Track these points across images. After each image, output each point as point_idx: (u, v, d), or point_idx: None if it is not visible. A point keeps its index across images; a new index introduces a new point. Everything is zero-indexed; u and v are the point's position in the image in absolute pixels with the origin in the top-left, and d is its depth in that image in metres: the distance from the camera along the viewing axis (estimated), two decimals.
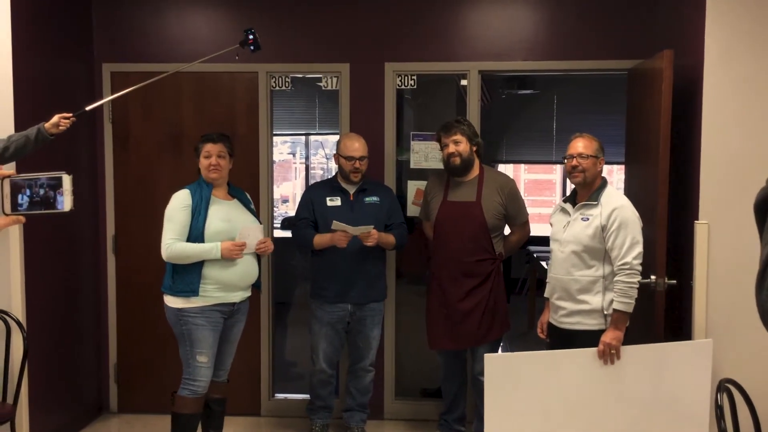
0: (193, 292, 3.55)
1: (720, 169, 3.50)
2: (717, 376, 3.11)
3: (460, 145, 3.93)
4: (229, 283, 3.63)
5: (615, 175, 9.70)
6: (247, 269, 3.69)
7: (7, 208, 2.45)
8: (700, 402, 3.28)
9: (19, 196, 2.99)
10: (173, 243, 3.54)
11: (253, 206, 3.91)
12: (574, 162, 3.47)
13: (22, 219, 3.07)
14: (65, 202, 2.94)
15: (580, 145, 3.47)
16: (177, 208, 3.59)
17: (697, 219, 3.52)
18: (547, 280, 3.68)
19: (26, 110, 3.79)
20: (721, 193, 3.50)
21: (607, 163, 3.61)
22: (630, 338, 3.40)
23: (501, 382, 3.26)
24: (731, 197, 3.49)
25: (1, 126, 3.66)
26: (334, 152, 4.16)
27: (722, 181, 3.50)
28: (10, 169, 3.69)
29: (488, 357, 3.31)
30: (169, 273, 3.61)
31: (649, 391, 3.28)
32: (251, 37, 3.81)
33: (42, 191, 2.95)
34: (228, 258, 3.57)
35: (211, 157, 3.68)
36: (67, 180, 2.94)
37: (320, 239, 4.02)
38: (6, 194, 2.45)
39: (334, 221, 3.87)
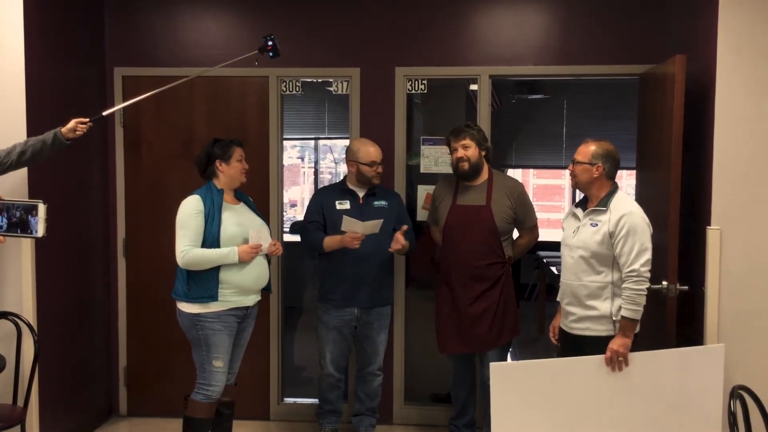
0: (212, 297, 3.55)
1: (732, 174, 3.49)
2: (729, 382, 3.09)
3: (468, 149, 3.93)
4: (245, 287, 3.63)
5: (624, 180, 9.68)
6: (260, 272, 3.69)
7: None
8: (712, 408, 3.26)
9: (0, 218, 3.16)
10: (189, 249, 3.52)
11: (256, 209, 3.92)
12: (570, 167, 3.51)
13: (3, 239, 3.20)
14: (39, 228, 3.17)
15: (578, 150, 3.48)
16: (190, 214, 3.57)
17: (709, 224, 3.51)
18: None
19: (38, 114, 3.80)
20: (733, 199, 3.48)
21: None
22: (641, 344, 3.38)
23: (507, 391, 3.25)
24: (744, 203, 3.48)
25: (13, 130, 3.68)
26: (349, 159, 4.12)
27: (734, 187, 3.49)
28: (22, 174, 3.75)
29: (494, 366, 3.30)
30: (183, 280, 3.59)
31: (660, 398, 3.26)
32: (270, 43, 3.82)
33: (18, 214, 3.16)
34: (245, 261, 3.58)
35: (243, 161, 3.70)
36: (42, 209, 3.17)
37: (330, 241, 4.02)
38: None
39: (344, 217, 3.86)
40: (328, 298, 4.13)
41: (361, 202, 4.12)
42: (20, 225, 3.12)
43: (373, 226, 3.89)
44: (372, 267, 4.07)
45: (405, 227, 4.01)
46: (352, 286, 4.06)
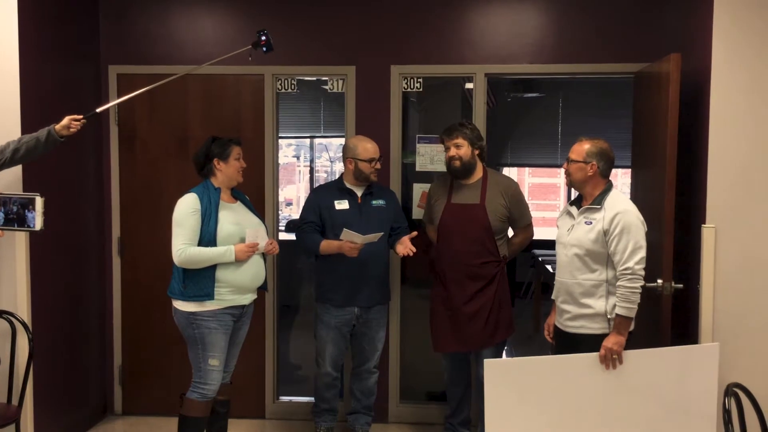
0: (208, 296, 3.54)
1: (727, 172, 3.50)
2: (724, 380, 3.09)
3: (461, 148, 3.94)
4: (241, 286, 3.63)
5: (619, 179, 9.70)
6: (257, 271, 3.69)
7: None
8: (707, 406, 3.27)
9: None
10: (186, 248, 3.51)
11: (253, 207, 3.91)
12: (564, 165, 3.53)
13: (1, 233, 3.19)
14: (37, 221, 3.15)
15: (572, 149, 3.49)
16: (186, 212, 3.56)
17: (704, 222, 3.51)
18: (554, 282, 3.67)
19: (33, 112, 3.79)
20: (728, 197, 3.49)
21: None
22: (636, 342, 3.39)
23: (501, 388, 3.25)
24: (738, 201, 3.49)
25: (8, 128, 3.67)
26: (346, 157, 4.11)
27: (729, 185, 3.49)
28: (17, 172, 3.75)
29: (488, 362, 3.30)
30: (179, 278, 3.58)
31: (654, 396, 3.27)
32: (264, 38, 3.82)
33: (15, 208, 3.14)
34: (241, 260, 3.58)
35: (241, 160, 3.69)
36: (39, 202, 3.15)
37: (328, 246, 4.00)
38: None
39: (344, 230, 3.86)
40: (328, 297, 4.11)
41: (359, 201, 4.11)
42: (17, 219, 3.11)
43: (373, 237, 3.89)
44: (372, 266, 4.06)
45: (415, 233, 4.01)
46: (353, 286, 4.05)
